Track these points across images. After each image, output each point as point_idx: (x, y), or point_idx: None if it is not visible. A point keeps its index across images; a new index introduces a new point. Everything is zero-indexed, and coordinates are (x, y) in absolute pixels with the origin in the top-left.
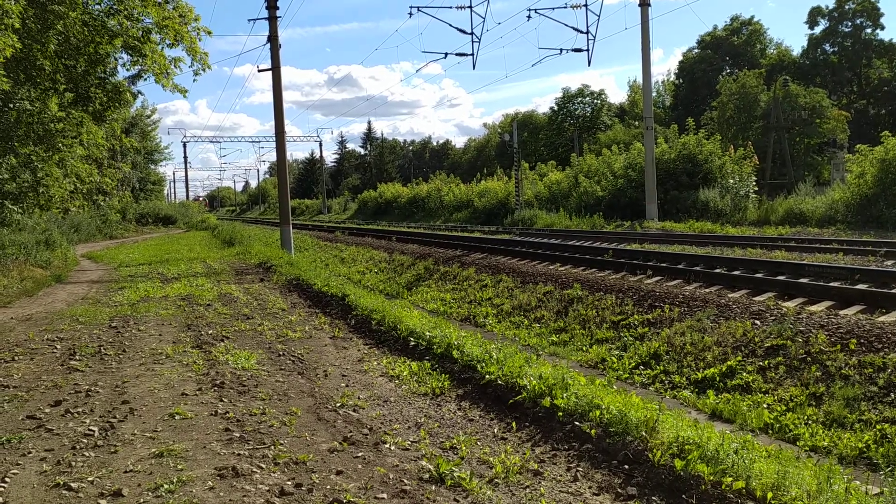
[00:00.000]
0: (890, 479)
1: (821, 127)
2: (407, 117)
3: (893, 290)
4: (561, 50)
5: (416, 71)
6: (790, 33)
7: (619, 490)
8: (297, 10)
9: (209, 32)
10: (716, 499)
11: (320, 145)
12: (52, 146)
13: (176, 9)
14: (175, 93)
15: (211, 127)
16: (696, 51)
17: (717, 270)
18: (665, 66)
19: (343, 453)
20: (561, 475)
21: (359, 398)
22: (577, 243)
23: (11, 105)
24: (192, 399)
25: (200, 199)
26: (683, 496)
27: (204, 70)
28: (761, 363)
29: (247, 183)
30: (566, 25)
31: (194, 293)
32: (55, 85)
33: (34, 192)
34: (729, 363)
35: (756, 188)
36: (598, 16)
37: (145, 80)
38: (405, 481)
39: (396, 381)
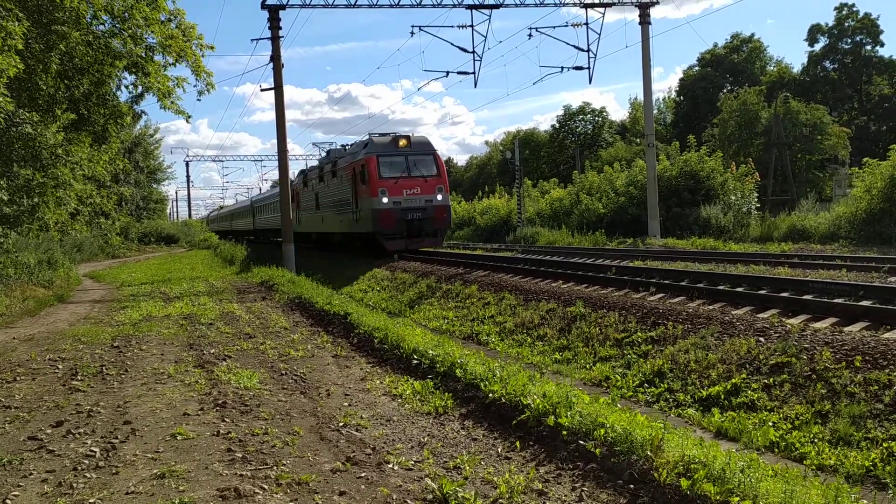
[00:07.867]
0: None
1: (822, 143)
2: None
3: None
4: (562, 68)
5: (418, 89)
6: (790, 50)
7: None
8: (299, 31)
9: (212, 48)
10: None
11: None
12: (52, 168)
13: (179, 26)
14: (178, 115)
15: (213, 146)
16: (696, 68)
17: (721, 287)
18: (666, 83)
19: (346, 473)
20: (566, 495)
21: (361, 417)
22: (580, 260)
23: (14, 129)
24: (194, 419)
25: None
26: None
27: (209, 90)
28: (766, 381)
29: None
30: (567, 44)
31: (196, 312)
32: (56, 106)
33: (31, 215)
34: (733, 381)
35: (758, 205)
36: (599, 34)
37: (146, 98)
38: (409, 502)
39: (399, 400)
